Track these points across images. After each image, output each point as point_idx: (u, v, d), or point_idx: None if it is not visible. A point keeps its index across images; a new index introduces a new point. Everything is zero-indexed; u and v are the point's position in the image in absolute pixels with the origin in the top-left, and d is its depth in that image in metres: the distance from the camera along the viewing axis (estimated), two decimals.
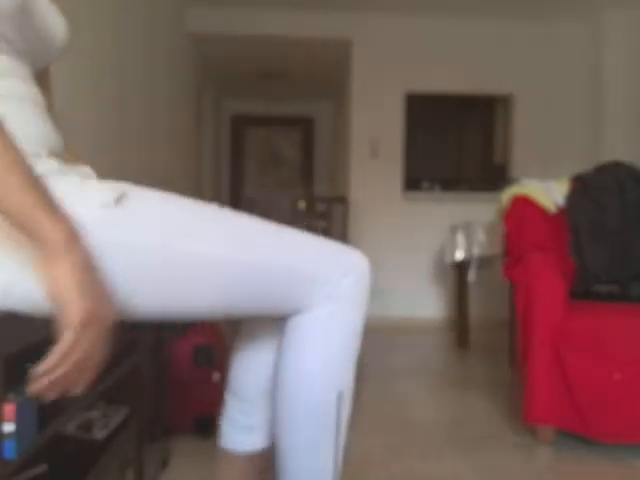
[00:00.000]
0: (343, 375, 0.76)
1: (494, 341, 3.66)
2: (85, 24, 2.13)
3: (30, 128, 0.71)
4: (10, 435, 0.65)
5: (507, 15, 4.30)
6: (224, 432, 0.93)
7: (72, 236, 0.56)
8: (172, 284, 0.66)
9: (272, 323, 0.87)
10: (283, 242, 0.73)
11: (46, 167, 0.66)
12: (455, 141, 5.44)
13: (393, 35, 4.37)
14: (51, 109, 0.93)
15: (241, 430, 0.90)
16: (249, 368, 0.89)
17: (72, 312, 0.54)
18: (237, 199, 6.28)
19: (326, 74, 5.38)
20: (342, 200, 4.20)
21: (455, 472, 1.57)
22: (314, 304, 0.73)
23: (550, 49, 4.41)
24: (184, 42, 4.14)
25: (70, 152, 0.90)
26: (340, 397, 0.75)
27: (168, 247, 0.65)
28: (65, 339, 0.54)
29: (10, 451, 0.66)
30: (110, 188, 0.66)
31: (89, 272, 0.57)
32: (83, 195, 0.64)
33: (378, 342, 3.59)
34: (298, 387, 0.74)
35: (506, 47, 4.40)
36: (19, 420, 0.66)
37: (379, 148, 4.36)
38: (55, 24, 0.81)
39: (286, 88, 5.89)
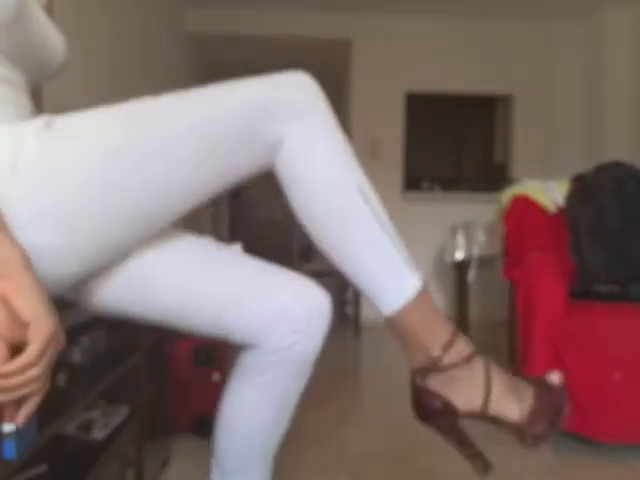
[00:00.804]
0: (351, 173, 0.73)
1: (494, 341, 3.65)
2: (82, 24, 2.13)
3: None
4: (10, 435, 0.65)
5: (507, 15, 4.30)
6: None
7: (28, 258, 0.57)
8: (139, 176, 0.64)
9: (253, 382, 0.80)
10: (222, 91, 0.70)
11: None
12: (455, 141, 5.44)
13: (393, 35, 4.37)
14: None
15: None
16: (234, 438, 0.83)
17: (41, 326, 0.54)
18: (237, 199, 6.28)
19: (326, 74, 5.37)
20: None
21: (455, 472, 1.56)
22: (284, 134, 0.69)
23: (550, 49, 4.42)
24: (184, 42, 4.14)
25: None
26: (360, 190, 0.74)
27: (118, 143, 0.64)
28: (29, 351, 0.53)
29: (10, 451, 0.66)
30: (36, 119, 0.66)
31: (45, 294, 0.57)
32: (16, 129, 0.64)
33: (378, 342, 3.58)
34: (317, 206, 0.72)
35: (506, 47, 4.41)
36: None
37: (379, 148, 4.36)
38: (53, 40, 0.81)
39: None
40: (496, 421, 0.78)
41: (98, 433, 1.14)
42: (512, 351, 2.92)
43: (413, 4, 4.14)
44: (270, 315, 0.74)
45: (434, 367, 0.73)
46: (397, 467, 1.60)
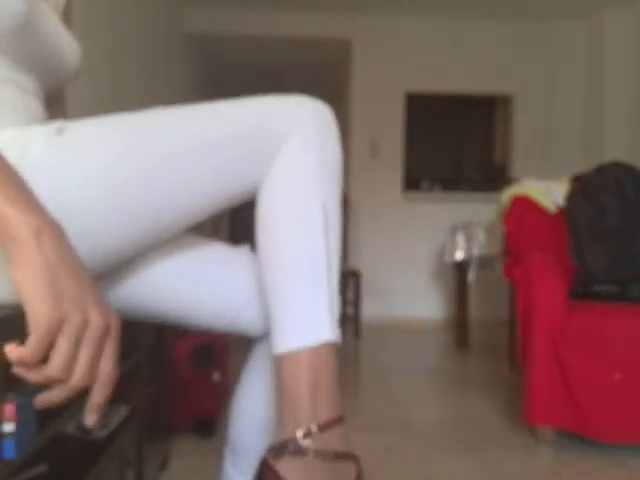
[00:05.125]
0: (323, 191, 0.68)
1: (494, 341, 3.66)
2: (80, 24, 2.13)
3: None
4: (10, 435, 0.65)
5: (507, 15, 4.30)
6: None
7: (42, 231, 0.49)
8: (143, 182, 0.63)
9: (269, 370, 0.80)
10: (234, 109, 0.68)
11: None
12: (455, 141, 5.45)
13: (393, 35, 4.37)
14: None
15: None
16: (244, 418, 0.85)
17: (35, 317, 0.46)
18: None
19: (326, 74, 5.38)
20: (342, 200, 4.20)
21: (455, 472, 1.57)
22: (276, 155, 0.67)
23: (550, 49, 4.42)
24: (184, 42, 4.14)
25: None
26: (325, 210, 0.67)
27: (125, 149, 0.63)
28: (28, 344, 0.46)
29: (10, 451, 0.66)
30: (49, 124, 0.66)
31: (64, 272, 0.48)
32: (26, 131, 0.64)
33: (378, 342, 3.58)
34: (276, 217, 0.67)
35: (506, 47, 4.41)
36: (19, 420, 0.66)
37: (379, 148, 4.36)
38: (66, 47, 0.81)
39: (286, 88, 5.89)
40: None
41: (98, 433, 1.14)
42: (512, 351, 2.92)
43: (413, 4, 4.14)
44: None
45: (296, 445, 0.60)
46: (398, 467, 1.60)
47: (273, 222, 0.67)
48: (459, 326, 3.45)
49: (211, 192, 0.67)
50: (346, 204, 4.18)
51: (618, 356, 1.70)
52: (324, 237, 0.67)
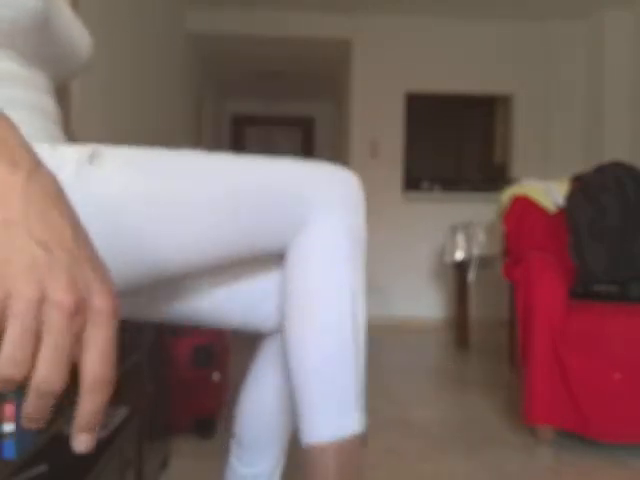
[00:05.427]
0: (353, 275, 0.68)
1: (494, 341, 3.66)
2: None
3: (30, 139, 0.69)
4: (10, 435, 0.65)
5: (507, 15, 4.30)
6: (225, 477, 0.91)
7: (10, 184, 0.35)
8: (162, 227, 0.63)
9: (279, 365, 0.83)
10: (267, 167, 0.68)
11: None
12: (455, 141, 5.44)
13: (393, 35, 4.37)
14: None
15: (237, 479, 0.88)
16: (251, 412, 0.86)
17: (11, 288, 0.33)
18: None
19: (326, 74, 5.38)
20: None
21: (455, 472, 1.57)
22: (307, 223, 0.67)
23: (550, 49, 4.42)
24: (184, 42, 4.14)
25: None
26: (354, 295, 0.68)
27: (152, 193, 0.63)
28: (5, 337, 0.34)
29: (10, 451, 0.66)
30: (81, 148, 0.64)
31: (25, 235, 0.34)
32: (58, 154, 0.63)
33: (378, 342, 3.58)
34: (307, 299, 0.67)
35: (506, 47, 4.41)
36: (19, 420, 0.66)
37: (379, 148, 4.36)
38: (78, 38, 0.81)
39: (286, 88, 5.89)
40: None
41: (98, 433, 1.14)
42: (512, 351, 2.92)
43: (413, 4, 4.14)
44: None
45: None
46: (398, 467, 1.60)
47: (301, 302, 0.67)
48: (459, 326, 3.45)
49: (231, 241, 0.67)
50: None
51: (618, 356, 1.70)
52: (352, 321, 0.67)
